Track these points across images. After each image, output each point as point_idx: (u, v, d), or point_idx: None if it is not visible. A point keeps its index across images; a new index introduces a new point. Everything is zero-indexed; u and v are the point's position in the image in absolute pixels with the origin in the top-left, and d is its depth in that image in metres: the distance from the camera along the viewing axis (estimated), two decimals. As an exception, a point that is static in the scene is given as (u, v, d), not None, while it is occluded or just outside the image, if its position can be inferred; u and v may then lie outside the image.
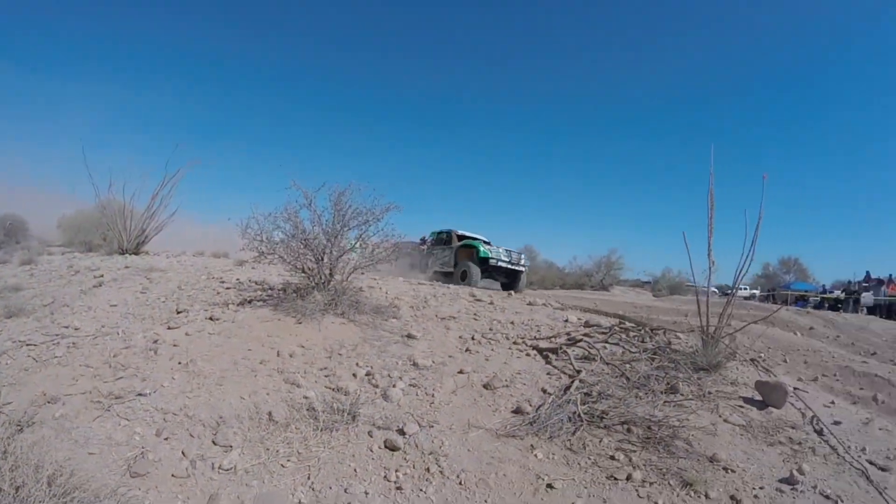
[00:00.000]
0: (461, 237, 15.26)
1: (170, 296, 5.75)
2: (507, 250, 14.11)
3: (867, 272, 22.66)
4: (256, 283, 6.60)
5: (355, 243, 6.01)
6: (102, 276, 6.76)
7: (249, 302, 5.50)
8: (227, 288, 6.20)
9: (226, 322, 4.84)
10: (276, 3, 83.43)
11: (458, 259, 14.35)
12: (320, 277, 5.57)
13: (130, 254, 9.35)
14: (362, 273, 6.19)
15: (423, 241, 16.66)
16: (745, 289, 37.67)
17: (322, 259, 5.62)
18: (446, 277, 14.09)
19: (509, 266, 13.95)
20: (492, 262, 13.58)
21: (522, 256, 14.87)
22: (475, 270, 13.21)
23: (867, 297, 19.88)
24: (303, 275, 5.64)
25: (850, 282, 23.02)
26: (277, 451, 3.05)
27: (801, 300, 25.86)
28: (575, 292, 12.93)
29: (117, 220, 9.62)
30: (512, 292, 10.58)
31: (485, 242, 14.75)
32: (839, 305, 21.24)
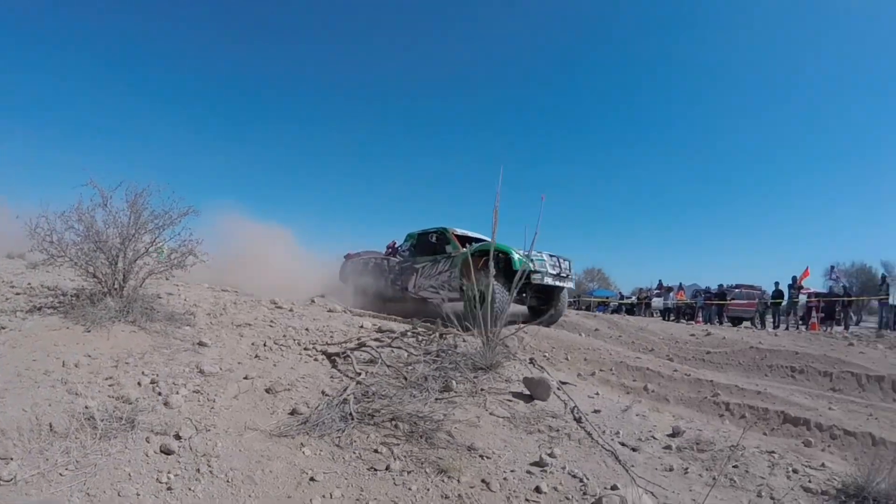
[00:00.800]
0: (463, 240, 10.79)
1: (-47, 303, 5.69)
2: (551, 256, 9.77)
3: (660, 281, 28.20)
4: (49, 288, 6.65)
5: (151, 247, 6.25)
6: None
7: (39, 309, 5.66)
8: (17, 294, 6.25)
9: (12, 331, 5.03)
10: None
11: (466, 274, 9.11)
12: (113, 283, 5.85)
13: (-89, 254, 8.49)
14: (167, 279, 6.53)
15: (394, 249, 12.39)
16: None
17: (116, 263, 5.87)
18: (441, 305, 9.46)
19: (555, 283, 9.73)
20: (535, 277, 9.06)
21: (570, 264, 10.39)
22: (501, 295, 8.11)
23: (657, 302, 25.64)
24: (95, 280, 5.84)
25: (641, 289, 28.63)
26: (56, 461, 3.34)
27: (602, 305, 31.97)
28: (390, 305, 12.15)
29: None
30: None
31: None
32: (634, 310, 27.11)
